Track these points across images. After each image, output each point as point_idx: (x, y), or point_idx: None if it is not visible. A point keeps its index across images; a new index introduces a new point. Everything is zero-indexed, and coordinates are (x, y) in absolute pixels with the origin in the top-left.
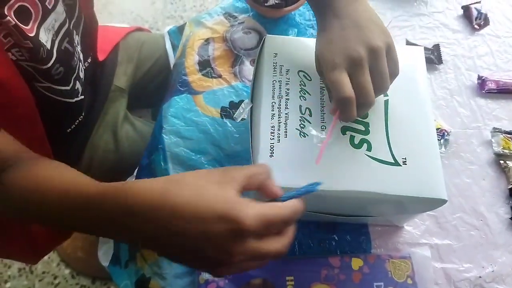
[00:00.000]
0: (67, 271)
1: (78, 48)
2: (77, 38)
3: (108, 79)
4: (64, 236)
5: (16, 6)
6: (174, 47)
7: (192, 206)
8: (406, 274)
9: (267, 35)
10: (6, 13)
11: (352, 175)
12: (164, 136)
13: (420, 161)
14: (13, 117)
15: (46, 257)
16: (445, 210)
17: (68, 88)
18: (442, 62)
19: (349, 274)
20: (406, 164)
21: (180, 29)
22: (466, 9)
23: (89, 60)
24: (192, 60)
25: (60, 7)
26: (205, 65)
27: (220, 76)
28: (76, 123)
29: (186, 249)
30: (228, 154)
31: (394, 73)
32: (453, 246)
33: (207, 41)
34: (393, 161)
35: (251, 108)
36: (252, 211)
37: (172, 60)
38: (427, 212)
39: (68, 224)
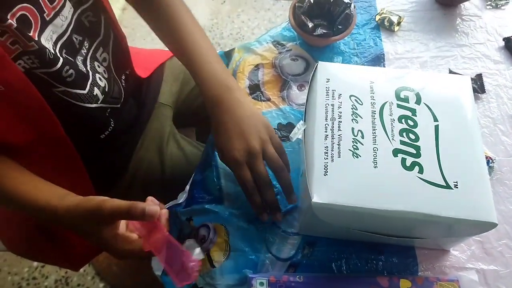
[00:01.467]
0: (101, 285)
1: (103, 65)
2: (104, 55)
3: (153, 95)
4: (100, 248)
5: (19, 14)
6: None
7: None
8: None
9: (320, 62)
10: (8, 17)
11: (405, 196)
12: (216, 153)
13: (471, 185)
14: (26, 116)
15: (82, 270)
16: (491, 236)
17: (84, 92)
18: (484, 92)
19: None
20: (457, 187)
21: (227, 54)
22: (508, 40)
23: (123, 77)
24: (243, 84)
25: (60, 21)
26: (255, 89)
27: (269, 100)
28: (109, 129)
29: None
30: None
31: (280, 152)
32: (499, 272)
33: (257, 66)
34: (444, 184)
35: (305, 130)
36: (106, 210)
37: None
38: (473, 238)
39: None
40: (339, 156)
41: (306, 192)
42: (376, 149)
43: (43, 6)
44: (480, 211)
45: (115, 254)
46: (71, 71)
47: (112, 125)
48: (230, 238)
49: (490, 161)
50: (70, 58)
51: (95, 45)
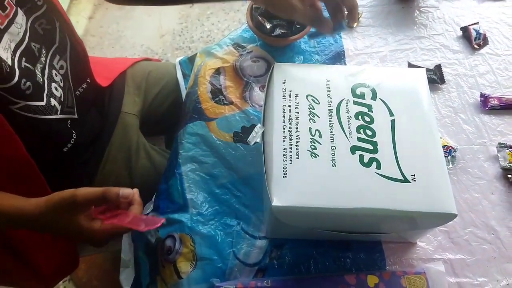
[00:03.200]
0: None
1: (60, 72)
2: (61, 63)
3: (116, 105)
4: (71, 266)
5: None
6: (185, 76)
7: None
8: None
9: (276, 63)
10: None
11: (364, 192)
12: (181, 161)
13: (429, 177)
14: None
15: (61, 286)
16: (456, 225)
17: (42, 103)
18: (444, 82)
19: None
20: (415, 180)
21: (190, 60)
22: (465, 30)
23: (84, 86)
24: (204, 89)
25: (15, 29)
26: (217, 93)
27: (231, 103)
28: (72, 142)
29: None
30: (242, 177)
31: None
32: (466, 260)
33: (218, 70)
34: (402, 178)
35: (263, 132)
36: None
37: (183, 88)
38: (439, 228)
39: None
40: (298, 158)
41: (266, 196)
42: (334, 148)
43: None
44: (439, 202)
45: (97, 241)
46: (28, 83)
47: (74, 137)
48: (197, 247)
49: (452, 150)
50: (30, 67)
51: (51, 52)
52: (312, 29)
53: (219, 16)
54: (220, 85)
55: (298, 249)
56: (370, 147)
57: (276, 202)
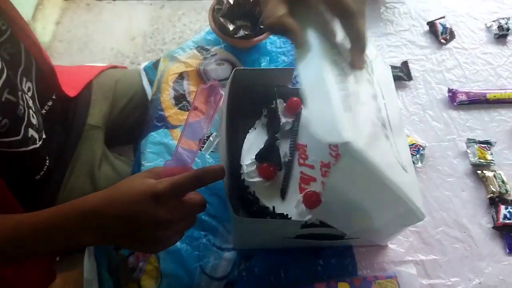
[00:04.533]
0: None
1: (28, 95)
2: (28, 84)
3: (81, 117)
4: (47, 281)
5: None
6: (151, 83)
7: (122, 194)
8: None
9: (235, 68)
10: None
11: None
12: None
13: None
14: None
15: None
16: (427, 225)
17: (18, 137)
18: (412, 79)
19: None
20: None
21: (155, 65)
22: (432, 25)
23: (49, 103)
24: (167, 95)
25: None
26: (180, 99)
27: (196, 109)
28: (44, 169)
29: (127, 230)
30: (208, 187)
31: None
32: (438, 261)
33: (181, 75)
34: None
35: (219, 142)
36: (164, 181)
37: (150, 96)
38: (410, 228)
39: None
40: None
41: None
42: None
43: None
44: None
45: (173, 234)
46: (4, 121)
47: (47, 164)
48: (161, 263)
49: (421, 149)
50: (12, 99)
51: (18, 76)
52: None
53: (191, 17)
54: (184, 91)
55: (268, 259)
56: None
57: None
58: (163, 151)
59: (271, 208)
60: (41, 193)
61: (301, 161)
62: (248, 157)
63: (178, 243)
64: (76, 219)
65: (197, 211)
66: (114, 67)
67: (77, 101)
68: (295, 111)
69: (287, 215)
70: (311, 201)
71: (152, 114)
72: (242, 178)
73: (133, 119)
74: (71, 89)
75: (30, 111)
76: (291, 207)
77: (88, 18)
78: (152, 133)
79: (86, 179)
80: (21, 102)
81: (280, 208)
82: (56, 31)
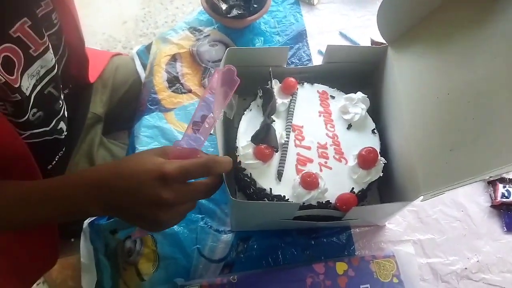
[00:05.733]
0: None
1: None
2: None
3: (85, 107)
4: (50, 263)
5: (1, 57)
6: (145, 67)
7: (130, 169)
8: (391, 273)
9: (229, 48)
10: None
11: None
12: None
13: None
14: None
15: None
16: (425, 204)
17: (47, 128)
18: None
19: (334, 279)
20: None
21: (148, 48)
22: None
23: (66, 91)
24: (160, 78)
25: (50, 55)
26: (174, 82)
27: (190, 91)
28: (56, 159)
29: (130, 204)
30: None
31: None
32: (436, 240)
33: (174, 57)
34: None
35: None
36: (173, 163)
37: (143, 80)
38: (408, 208)
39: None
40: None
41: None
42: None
43: (30, 44)
44: None
45: (174, 216)
46: (39, 113)
47: (60, 154)
48: (158, 246)
49: None
50: (55, 93)
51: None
52: (271, 8)
53: None
54: (177, 73)
55: (265, 241)
56: None
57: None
58: (158, 134)
59: (268, 190)
60: None
61: (297, 142)
62: (243, 139)
63: (175, 226)
64: (85, 188)
65: (201, 197)
66: (118, 54)
67: (81, 90)
68: (290, 92)
69: (284, 196)
70: (308, 182)
71: (145, 98)
72: (238, 160)
73: (132, 107)
74: (91, 75)
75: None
76: (288, 188)
77: (78, 2)
78: (145, 116)
79: (86, 166)
80: (61, 96)
81: (277, 189)
82: None
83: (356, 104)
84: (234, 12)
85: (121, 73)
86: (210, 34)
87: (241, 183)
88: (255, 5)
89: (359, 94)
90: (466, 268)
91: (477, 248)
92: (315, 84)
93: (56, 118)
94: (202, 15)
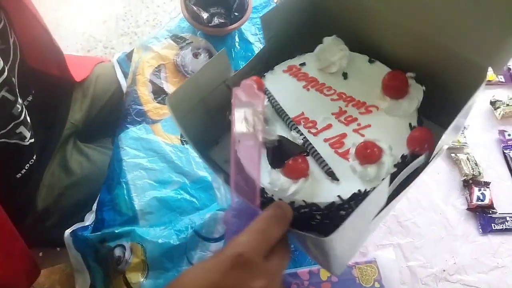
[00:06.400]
0: None
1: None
2: (13, 80)
3: (63, 117)
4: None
5: None
6: (126, 75)
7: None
8: (373, 278)
9: (168, 96)
10: None
11: None
12: (125, 169)
13: None
14: None
15: None
16: (404, 208)
17: (4, 131)
18: None
19: (318, 285)
20: None
21: (128, 56)
22: None
23: (29, 98)
24: (145, 89)
25: None
26: (159, 93)
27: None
28: (26, 167)
29: None
30: (193, 181)
31: None
32: (415, 243)
33: (158, 67)
34: None
35: None
36: (241, 237)
37: (125, 89)
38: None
39: None
40: None
41: None
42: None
43: None
44: None
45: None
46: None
47: (31, 162)
48: (148, 256)
49: None
50: (10, 97)
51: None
52: (252, 15)
53: None
54: (162, 84)
55: None
56: None
57: None
58: (145, 147)
59: (338, 200)
60: (20, 192)
61: (313, 130)
62: (263, 173)
63: (165, 237)
64: None
65: (287, 261)
66: (101, 62)
67: (59, 98)
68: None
69: (359, 190)
70: (368, 154)
71: (128, 108)
72: (267, 196)
73: (114, 118)
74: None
75: (24, 108)
76: (353, 180)
77: (58, 0)
78: (132, 128)
79: (62, 174)
80: (20, 101)
81: (344, 191)
82: None
83: (331, 50)
84: (216, 21)
85: (102, 81)
86: (192, 41)
87: (302, 221)
88: (236, 13)
89: (328, 39)
90: (444, 270)
91: (455, 250)
92: (275, 67)
93: (15, 122)
94: (184, 22)
